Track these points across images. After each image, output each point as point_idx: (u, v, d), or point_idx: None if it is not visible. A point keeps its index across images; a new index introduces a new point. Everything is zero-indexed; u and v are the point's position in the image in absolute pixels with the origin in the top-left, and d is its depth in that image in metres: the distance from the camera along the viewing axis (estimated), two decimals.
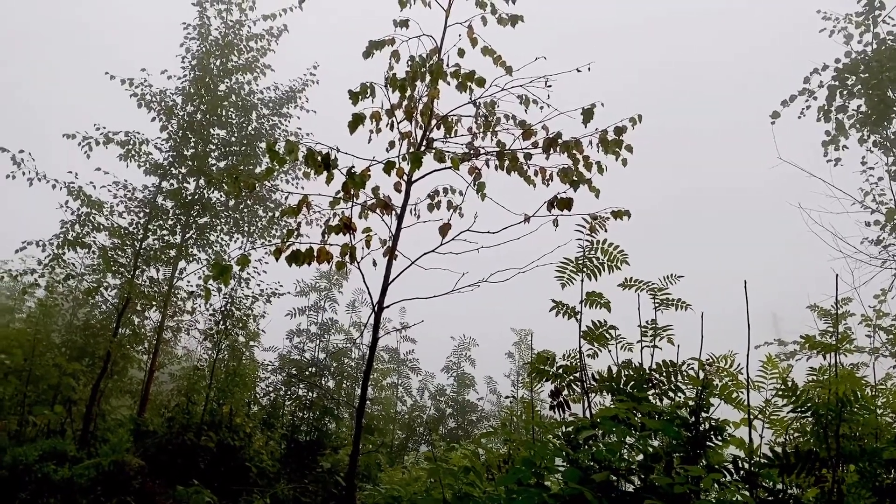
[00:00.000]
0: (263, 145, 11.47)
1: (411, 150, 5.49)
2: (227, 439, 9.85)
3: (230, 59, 11.42)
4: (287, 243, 4.63)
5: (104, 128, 10.42)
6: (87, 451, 8.71)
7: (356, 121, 4.74)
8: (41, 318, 11.11)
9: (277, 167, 5.53)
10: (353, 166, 4.42)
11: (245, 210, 11.37)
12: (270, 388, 12.14)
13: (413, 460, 11.97)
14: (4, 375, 8.20)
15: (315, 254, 4.78)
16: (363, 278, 5.31)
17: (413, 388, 13.32)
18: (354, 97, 4.72)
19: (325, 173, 4.48)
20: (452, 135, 6.01)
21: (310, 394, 12.02)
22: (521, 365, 12.86)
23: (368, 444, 11.27)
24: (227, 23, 11.51)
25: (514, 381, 12.94)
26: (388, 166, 4.68)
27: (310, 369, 12.38)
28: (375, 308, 5.43)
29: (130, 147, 10.59)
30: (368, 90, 4.86)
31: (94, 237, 10.01)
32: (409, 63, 5.69)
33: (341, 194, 5.03)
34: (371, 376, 13.06)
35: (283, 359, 12.49)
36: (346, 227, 4.76)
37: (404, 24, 5.79)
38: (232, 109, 11.38)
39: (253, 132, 11.41)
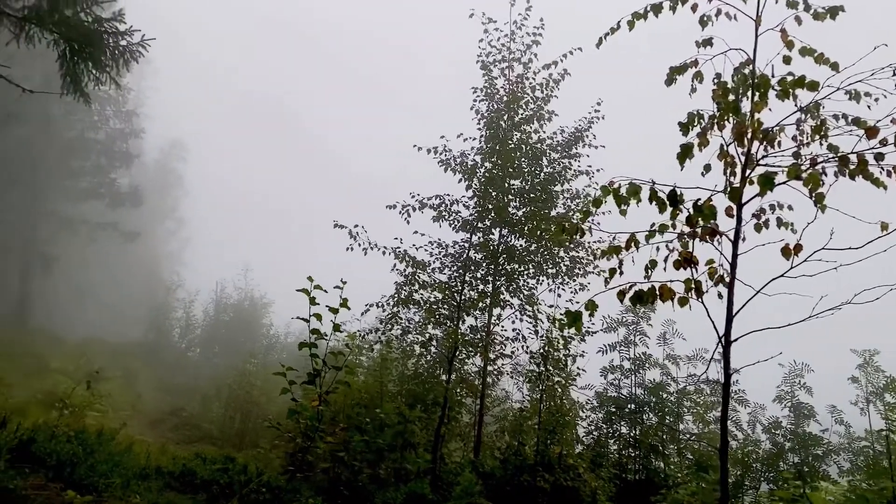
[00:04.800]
0: (557, 188, 11.77)
1: (735, 170, 5.21)
2: (561, 480, 10.00)
3: (517, 113, 11.95)
4: (630, 284, 4.58)
5: (418, 195, 11.54)
6: (440, 493, 9.43)
7: (685, 152, 4.63)
8: (380, 370, 12.42)
9: (594, 209, 5.58)
10: (700, 199, 4.29)
11: (546, 253, 11.71)
12: (592, 427, 12.13)
13: (753, 500, 11.11)
14: (381, 427, 9.23)
15: (658, 292, 4.67)
16: (707, 313, 5.07)
17: (742, 421, 12.41)
18: (685, 128, 4.62)
19: (668, 210, 4.39)
20: (775, 146, 5.59)
21: (633, 431, 11.79)
22: (869, 391, 11.31)
23: (702, 481, 10.69)
24: (510, 79, 12.11)
25: (864, 410, 11.39)
26: (734, 193, 4.47)
27: (629, 406, 12.17)
28: (723, 342, 5.17)
29: (442, 209, 11.53)
30: (696, 118, 4.72)
31: (421, 294, 11.04)
32: (716, 82, 5.45)
33: (669, 228, 4.91)
34: (694, 410, 12.48)
35: (601, 396, 12.45)
36: (688, 261, 4.61)
37: (707, 42, 5.58)
38: (524, 159, 11.85)
39: (546, 177, 11.74)
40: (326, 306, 6.11)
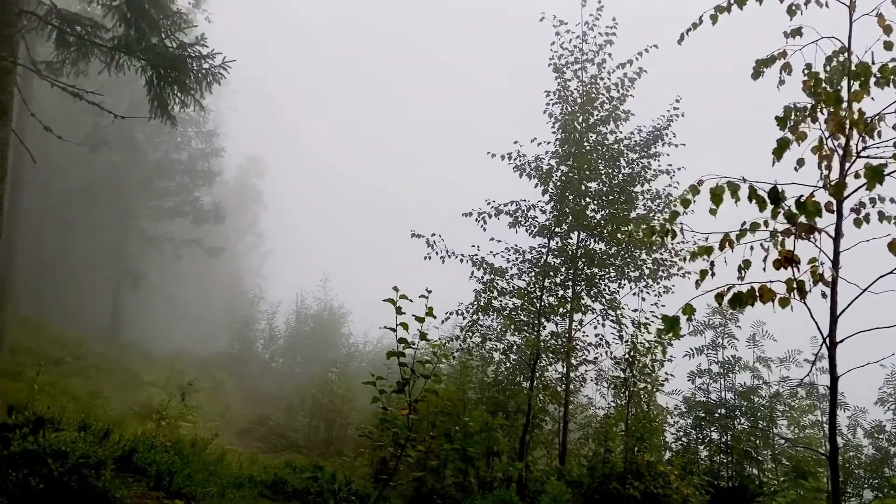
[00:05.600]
0: (637, 189, 11.55)
1: (831, 163, 4.98)
2: (651, 487, 9.75)
3: (592, 115, 11.79)
4: (728, 286, 4.43)
5: (493, 201, 11.52)
6: (527, 501, 9.35)
7: (782, 146, 4.45)
8: (460, 378, 12.41)
9: (683, 209, 5.43)
10: (802, 195, 4.12)
11: (627, 256, 11.48)
12: (681, 433, 11.80)
13: None
14: (469, 434, 9.25)
15: (758, 293, 4.50)
16: (811, 313, 4.86)
17: (840, 425, 11.82)
18: (782, 122, 4.45)
19: (768, 208, 4.23)
20: (875, 137, 5.32)
21: (724, 437, 11.41)
22: None
23: (800, 488, 10.26)
24: (583, 80, 11.96)
25: None
26: (837, 188, 4.27)
27: (719, 410, 11.79)
28: (827, 343, 4.95)
29: (518, 214, 11.48)
30: (793, 111, 4.54)
31: (500, 300, 11.00)
32: (806, 72, 5.23)
33: (761, 226, 4.72)
34: (788, 414, 11.98)
35: (688, 401, 12.11)
36: (789, 260, 4.42)
37: (797, 32, 5.38)
38: (600, 161, 11.67)
39: (625, 178, 11.53)
40: (413, 315, 6.15)
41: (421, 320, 6.20)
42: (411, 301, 6.25)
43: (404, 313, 6.24)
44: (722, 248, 4.98)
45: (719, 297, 4.54)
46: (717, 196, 4.32)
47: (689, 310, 4.57)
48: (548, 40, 11.86)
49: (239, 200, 49.94)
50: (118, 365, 22.44)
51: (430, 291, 6.26)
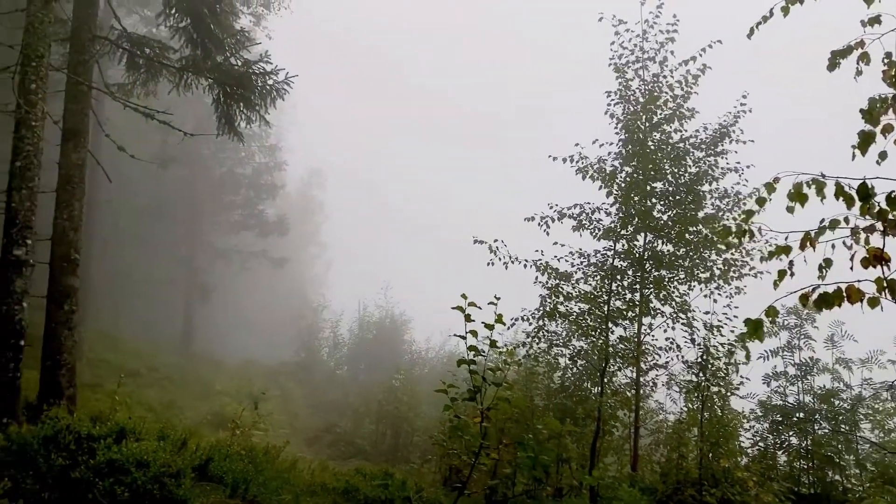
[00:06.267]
0: (704, 188, 11.27)
1: None
2: (729, 494, 9.48)
3: (655, 114, 11.58)
4: (813, 287, 4.26)
5: (556, 205, 11.41)
6: None
7: (867, 140, 4.27)
8: (527, 384, 12.31)
9: (758, 208, 5.27)
10: (893, 191, 3.94)
11: (696, 257, 11.20)
12: (757, 438, 11.43)
13: None
14: (539, 441, 9.19)
15: (845, 294, 4.32)
16: None
17: None
18: (869, 114, 4.26)
19: (857, 205, 4.06)
20: None
21: (803, 441, 11.00)
22: None
23: (889, 495, 9.79)
24: (645, 80, 11.76)
25: None
26: None
27: (797, 414, 11.37)
28: None
29: (582, 218, 11.35)
30: (879, 103, 4.35)
31: (566, 305, 10.88)
32: (886, 62, 5.01)
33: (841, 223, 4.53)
34: (872, 418, 11.47)
35: (764, 405, 11.71)
36: (878, 258, 4.23)
37: (875, 21, 5.16)
38: (665, 160, 11.44)
39: (691, 177, 11.27)
40: (482, 323, 6.13)
41: (490, 327, 6.18)
42: (480, 308, 6.25)
43: (473, 320, 6.24)
44: (803, 247, 4.80)
45: (804, 298, 4.38)
46: (801, 194, 4.17)
47: (772, 312, 4.42)
48: (597, 40, 11.76)
49: (301, 211, 50.97)
50: (190, 375, 23.14)
51: (498, 298, 6.24)
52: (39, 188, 8.42)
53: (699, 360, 10.37)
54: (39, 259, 8.59)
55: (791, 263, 4.99)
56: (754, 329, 4.25)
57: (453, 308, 6.18)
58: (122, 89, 12.02)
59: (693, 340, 10.58)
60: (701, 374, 10.26)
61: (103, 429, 7.45)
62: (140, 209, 28.90)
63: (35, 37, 8.36)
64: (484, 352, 6.26)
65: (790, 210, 4.88)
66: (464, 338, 6.22)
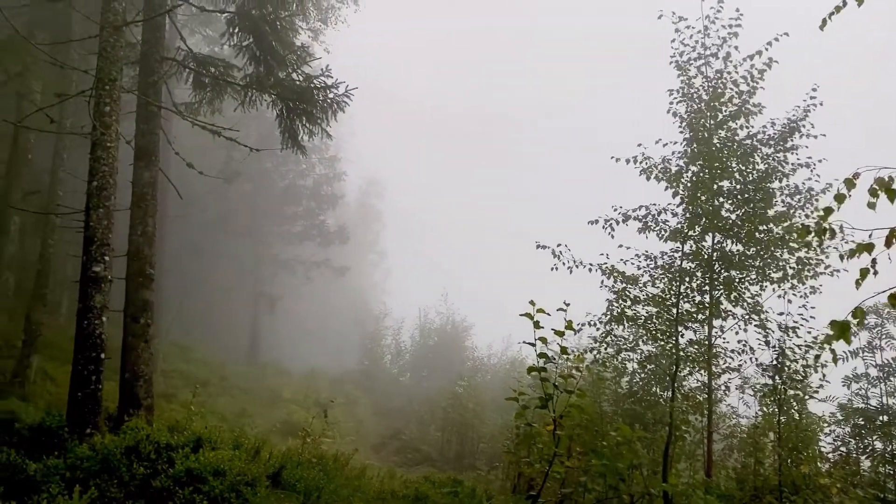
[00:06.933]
0: (775, 185, 10.93)
1: None
2: (811, 501, 9.13)
3: (720, 111, 11.28)
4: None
5: (621, 207, 11.24)
6: None
7: None
8: (595, 390, 12.13)
9: (837, 205, 5.07)
10: None
11: (767, 257, 10.85)
12: (838, 442, 11.00)
13: None
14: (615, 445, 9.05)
15: None
16: None
17: None
18: None
19: None
20: None
21: (889, 446, 10.53)
22: None
23: None
24: (708, 76, 11.48)
25: None
26: None
27: (881, 418, 10.90)
28: None
29: (648, 219, 11.14)
30: None
31: (635, 309, 10.69)
32: None
33: None
34: None
35: (844, 408, 11.27)
36: None
37: None
38: (732, 158, 11.13)
39: (760, 175, 10.93)
40: (552, 329, 6.07)
41: (560, 334, 6.12)
42: (549, 315, 6.19)
43: (542, 327, 6.18)
44: (888, 244, 4.60)
45: (893, 297, 4.19)
46: (890, 190, 3.98)
47: (859, 314, 4.24)
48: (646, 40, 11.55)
49: (360, 220, 51.59)
50: (259, 384, 23.66)
51: (567, 304, 6.17)
52: (115, 206, 8.73)
53: (774, 362, 10.03)
54: (116, 275, 8.89)
55: (874, 261, 4.79)
56: (841, 331, 4.09)
57: (521, 315, 6.14)
58: (190, 108, 12.39)
59: (767, 342, 10.24)
60: (777, 378, 9.92)
61: (181, 438, 7.68)
62: (207, 223, 29.75)
63: (107, 61, 8.69)
64: (554, 359, 6.20)
65: (871, 206, 4.69)
66: (533, 345, 6.17)
